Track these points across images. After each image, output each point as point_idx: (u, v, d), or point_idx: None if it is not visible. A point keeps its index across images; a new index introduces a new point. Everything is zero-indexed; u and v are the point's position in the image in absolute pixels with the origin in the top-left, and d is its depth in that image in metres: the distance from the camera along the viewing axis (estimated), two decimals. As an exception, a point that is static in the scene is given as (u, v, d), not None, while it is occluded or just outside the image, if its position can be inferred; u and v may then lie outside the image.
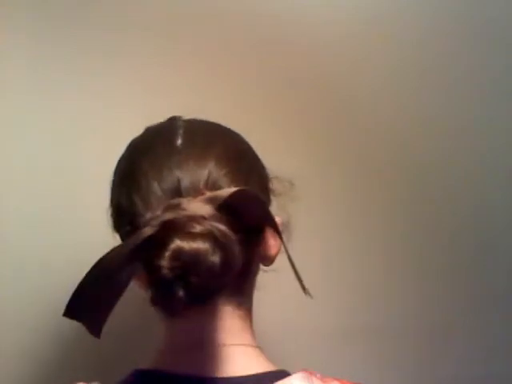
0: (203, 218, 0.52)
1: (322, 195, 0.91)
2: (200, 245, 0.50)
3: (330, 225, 0.92)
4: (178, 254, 0.50)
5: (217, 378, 0.58)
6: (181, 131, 0.62)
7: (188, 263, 0.50)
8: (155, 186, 0.57)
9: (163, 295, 0.52)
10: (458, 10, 0.95)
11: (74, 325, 0.88)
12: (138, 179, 0.59)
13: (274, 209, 0.65)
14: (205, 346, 0.60)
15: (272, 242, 0.62)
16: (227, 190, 0.54)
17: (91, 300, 0.54)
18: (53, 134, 0.90)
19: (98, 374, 0.64)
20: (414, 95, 0.94)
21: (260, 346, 0.63)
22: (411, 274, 0.94)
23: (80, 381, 0.61)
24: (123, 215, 0.59)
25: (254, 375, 0.59)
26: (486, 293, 0.95)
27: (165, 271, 0.50)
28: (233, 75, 0.92)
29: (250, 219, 0.56)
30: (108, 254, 0.54)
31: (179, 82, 0.91)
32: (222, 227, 0.52)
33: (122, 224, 0.60)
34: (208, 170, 0.58)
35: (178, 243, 0.50)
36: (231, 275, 0.52)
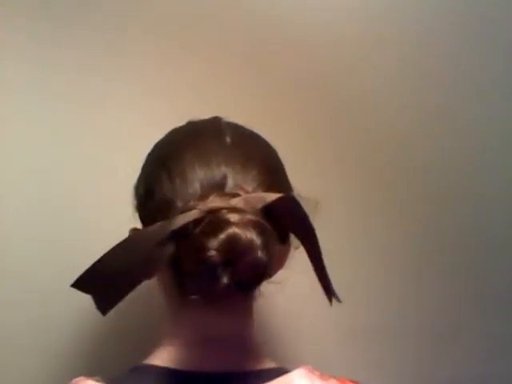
0: (248, 212, 0.52)
1: (321, 195, 0.91)
2: (253, 235, 0.50)
3: (329, 225, 0.91)
4: (234, 240, 0.49)
5: (219, 372, 0.59)
6: (228, 130, 0.63)
7: (240, 252, 0.49)
8: (201, 177, 0.57)
9: (203, 280, 0.51)
10: (458, 10, 0.95)
11: (74, 323, 0.88)
12: (183, 166, 0.58)
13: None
14: (212, 343, 0.60)
15: (280, 259, 0.63)
16: (274, 194, 0.54)
17: (111, 276, 0.53)
18: (53, 133, 0.90)
19: (99, 370, 0.64)
20: (414, 95, 0.94)
21: (261, 345, 0.63)
22: (411, 274, 0.94)
23: (81, 376, 0.61)
24: (158, 198, 0.58)
25: (255, 371, 0.60)
26: (486, 293, 0.95)
27: (213, 253, 0.49)
28: (233, 75, 0.92)
29: (288, 226, 0.57)
30: (147, 229, 0.53)
31: (179, 82, 0.91)
32: (269, 226, 0.52)
33: (155, 207, 0.58)
34: (253, 174, 0.58)
35: (235, 230, 0.50)
36: (266, 273, 0.52)
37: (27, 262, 0.87)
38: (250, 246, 0.50)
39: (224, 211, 0.51)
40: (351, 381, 0.62)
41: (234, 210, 0.51)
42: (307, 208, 0.63)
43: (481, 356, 0.94)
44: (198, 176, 0.57)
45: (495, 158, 0.96)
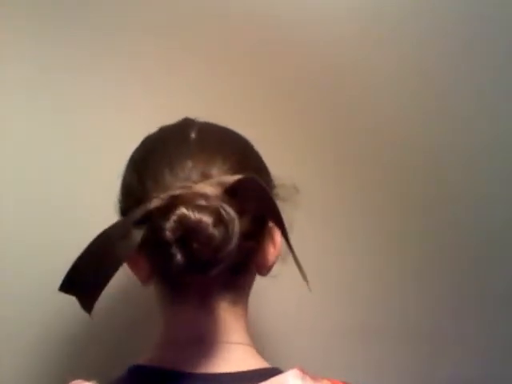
0: (210, 196, 0.54)
1: (320, 195, 0.91)
2: (204, 216, 0.53)
3: (329, 224, 0.92)
4: (182, 219, 0.52)
5: (211, 374, 0.59)
6: (195, 128, 0.65)
7: (189, 230, 0.52)
8: (166, 172, 0.59)
9: (162, 260, 0.54)
10: (458, 10, 0.95)
11: (74, 323, 0.88)
12: (151, 166, 0.61)
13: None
14: (201, 343, 0.60)
15: (271, 250, 0.64)
16: (235, 176, 0.56)
17: (88, 274, 0.56)
18: (53, 133, 0.90)
19: (94, 373, 0.64)
20: (414, 95, 0.94)
21: (254, 345, 0.63)
22: (411, 274, 0.94)
23: (78, 379, 0.61)
24: (131, 195, 0.61)
25: (247, 372, 0.60)
26: (486, 293, 0.95)
27: (166, 233, 0.52)
28: (233, 75, 0.92)
29: (254, 207, 0.58)
30: (112, 225, 0.56)
31: (179, 82, 0.91)
32: (227, 206, 0.54)
33: (130, 204, 0.61)
34: (217, 166, 0.59)
35: (183, 211, 0.53)
36: (228, 252, 0.53)
37: (27, 262, 0.88)
38: (199, 224, 0.52)
39: (185, 196, 0.54)
40: (344, 382, 0.62)
41: (193, 194, 0.54)
42: (286, 194, 0.64)
43: (481, 356, 0.94)
44: (164, 174, 0.59)
45: (495, 157, 0.96)
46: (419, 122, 0.95)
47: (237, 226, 0.54)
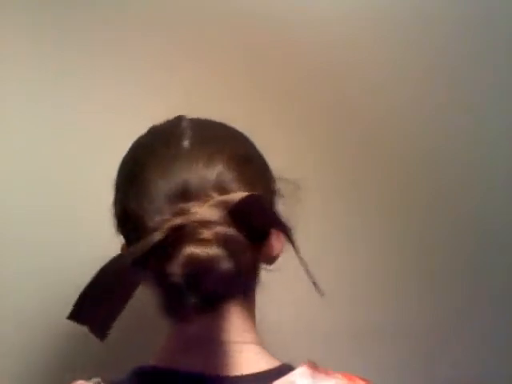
0: (214, 223, 0.51)
1: (319, 194, 0.91)
2: (214, 251, 0.49)
3: (328, 224, 0.92)
4: (192, 260, 0.49)
5: (222, 376, 0.58)
6: (188, 132, 0.61)
7: (202, 270, 0.49)
8: (162, 189, 0.55)
9: (174, 303, 0.51)
10: (459, 10, 0.95)
11: (73, 325, 0.88)
12: (145, 181, 0.57)
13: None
14: (210, 344, 0.59)
15: (275, 243, 0.62)
16: (237, 195, 0.53)
17: (96, 306, 0.52)
18: (53, 133, 0.90)
19: (95, 374, 0.64)
20: (415, 95, 0.94)
21: (263, 344, 0.63)
22: (411, 274, 0.94)
23: (79, 380, 0.61)
24: (130, 218, 0.57)
25: (258, 373, 0.59)
26: (485, 293, 0.95)
27: (176, 278, 0.49)
28: (233, 75, 0.92)
29: (259, 224, 0.55)
30: (114, 260, 0.53)
31: (179, 82, 0.91)
32: (234, 233, 0.51)
33: (129, 227, 0.58)
34: (216, 172, 0.56)
35: (192, 249, 0.49)
36: (242, 280, 0.52)
37: (27, 262, 0.88)
38: (211, 262, 0.49)
39: (188, 227, 0.50)
40: (358, 377, 0.62)
41: (197, 224, 0.50)
42: (288, 189, 0.63)
43: (481, 356, 0.94)
44: (160, 189, 0.55)
45: (496, 157, 0.96)
46: (420, 121, 0.95)
47: (248, 255, 0.51)
